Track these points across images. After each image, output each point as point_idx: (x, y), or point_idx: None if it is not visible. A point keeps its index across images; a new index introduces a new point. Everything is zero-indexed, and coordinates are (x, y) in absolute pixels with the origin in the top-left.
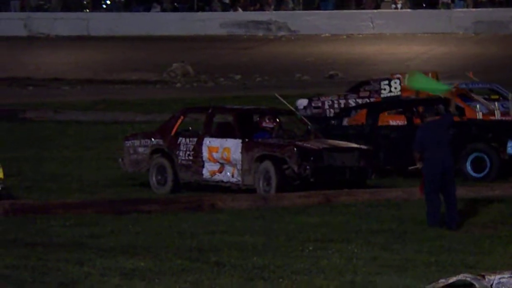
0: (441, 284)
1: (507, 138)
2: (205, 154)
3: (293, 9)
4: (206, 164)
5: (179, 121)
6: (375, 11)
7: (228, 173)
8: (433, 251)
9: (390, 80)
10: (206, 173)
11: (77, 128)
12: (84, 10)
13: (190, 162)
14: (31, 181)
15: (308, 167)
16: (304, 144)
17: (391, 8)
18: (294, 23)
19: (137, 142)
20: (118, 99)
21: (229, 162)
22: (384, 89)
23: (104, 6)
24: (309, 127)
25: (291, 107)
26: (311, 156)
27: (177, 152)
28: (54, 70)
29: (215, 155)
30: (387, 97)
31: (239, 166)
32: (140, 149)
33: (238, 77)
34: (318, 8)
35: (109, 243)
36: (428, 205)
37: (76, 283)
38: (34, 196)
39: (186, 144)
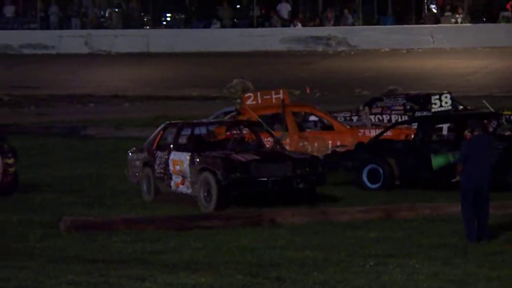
0: None
1: None
2: (171, 167)
3: (353, 24)
4: (173, 176)
5: (159, 135)
6: (435, 25)
7: (186, 185)
8: (495, 266)
9: (441, 95)
10: (173, 185)
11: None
12: (144, 27)
13: (162, 174)
14: (92, 197)
15: (231, 179)
16: (235, 156)
17: (451, 23)
18: (353, 38)
19: (135, 156)
20: (178, 115)
21: (183, 174)
22: (435, 104)
23: (164, 22)
24: (275, 138)
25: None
26: (237, 168)
27: (155, 165)
28: (115, 87)
29: (177, 168)
30: (437, 112)
31: (189, 178)
32: (137, 162)
33: (297, 92)
34: (377, 23)
35: (171, 259)
36: (464, 219)
37: None
38: (96, 212)
39: (160, 157)
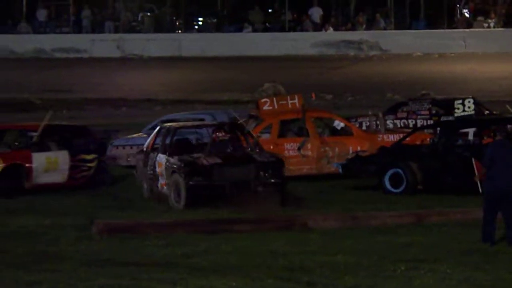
0: None
1: None
2: (157, 168)
3: (385, 28)
4: (159, 178)
5: (154, 138)
6: (467, 30)
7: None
8: None
9: (464, 100)
10: (159, 185)
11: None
12: (176, 31)
13: (151, 176)
14: (124, 201)
15: (191, 183)
16: (200, 161)
17: (483, 27)
18: (385, 43)
19: (139, 157)
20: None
21: (162, 176)
22: (458, 108)
23: (196, 27)
24: (255, 140)
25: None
26: (199, 172)
27: (147, 166)
28: (147, 91)
29: (160, 169)
30: (460, 116)
31: (165, 180)
32: (140, 163)
33: (329, 96)
34: (409, 28)
35: (201, 263)
36: (483, 222)
37: None
38: (128, 216)
39: (151, 159)
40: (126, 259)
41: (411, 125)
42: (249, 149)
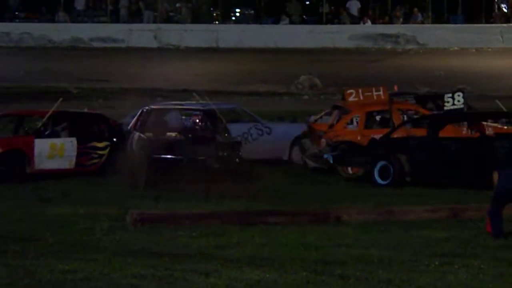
0: None
1: None
2: (134, 145)
3: (422, 22)
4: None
5: (137, 119)
6: (505, 25)
7: None
8: None
9: (453, 93)
10: None
11: None
12: (214, 22)
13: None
14: (158, 191)
15: (152, 158)
16: (163, 138)
17: None
18: (422, 37)
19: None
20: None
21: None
22: (448, 102)
23: (233, 18)
24: (224, 125)
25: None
26: (158, 148)
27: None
28: (183, 81)
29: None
30: (450, 110)
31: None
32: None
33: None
34: (447, 22)
35: (235, 254)
36: (491, 216)
37: None
38: (162, 206)
39: (130, 137)
40: (160, 249)
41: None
42: (217, 133)
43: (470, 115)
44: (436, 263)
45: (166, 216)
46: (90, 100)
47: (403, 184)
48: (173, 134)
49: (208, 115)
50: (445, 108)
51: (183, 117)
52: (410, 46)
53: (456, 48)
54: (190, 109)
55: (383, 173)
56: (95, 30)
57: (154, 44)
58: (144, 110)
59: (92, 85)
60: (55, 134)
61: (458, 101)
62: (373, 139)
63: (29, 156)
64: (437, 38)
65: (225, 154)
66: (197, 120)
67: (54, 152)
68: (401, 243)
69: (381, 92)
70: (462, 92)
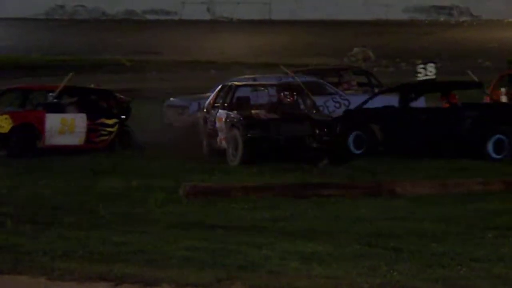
0: None
1: None
2: (217, 124)
3: None
4: (218, 133)
5: (215, 96)
6: None
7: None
8: None
9: (425, 63)
10: (218, 140)
11: None
12: None
13: (211, 131)
14: (212, 163)
15: (248, 135)
16: (258, 115)
17: None
18: (476, 8)
19: (200, 115)
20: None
21: (222, 131)
22: (420, 72)
23: None
24: (311, 102)
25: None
26: (256, 126)
27: (207, 123)
28: (236, 54)
29: (219, 124)
30: (422, 80)
31: (224, 134)
32: (201, 120)
33: (418, 62)
34: None
35: (288, 227)
36: None
37: (256, 266)
38: (215, 178)
39: (212, 115)
40: (213, 222)
41: None
42: (306, 109)
43: (441, 85)
44: (490, 235)
45: (219, 188)
46: (144, 73)
47: (376, 153)
48: (262, 111)
49: (295, 90)
50: (418, 78)
51: (267, 91)
52: (464, 18)
53: (510, 19)
54: (274, 85)
55: (357, 142)
56: (148, 2)
57: (206, 17)
58: (226, 86)
59: (145, 57)
60: (65, 109)
61: (431, 71)
62: (348, 109)
63: (40, 130)
64: (491, 10)
65: (322, 132)
66: (286, 96)
67: (64, 127)
68: (454, 216)
69: None
70: (434, 63)
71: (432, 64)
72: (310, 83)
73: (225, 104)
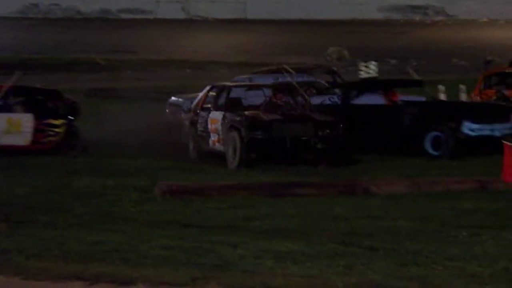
0: None
1: (463, 119)
2: (209, 126)
3: None
4: (211, 135)
5: (204, 97)
6: None
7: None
8: None
9: (367, 62)
10: (210, 143)
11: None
12: None
13: (202, 133)
14: (187, 163)
15: (252, 137)
16: (260, 116)
17: None
18: (451, 8)
19: (185, 116)
20: None
21: (215, 133)
22: (362, 71)
23: None
24: (308, 101)
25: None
26: (258, 127)
27: (197, 124)
28: (211, 53)
29: (214, 126)
30: (364, 79)
31: (217, 136)
32: (186, 122)
33: (393, 61)
34: None
35: (263, 226)
36: None
37: (230, 265)
38: (191, 178)
39: (202, 117)
40: (188, 221)
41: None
42: (304, 109)
43: (382, 83)
44: (464, 234)
45: (194, 187)
46: (118, 71)
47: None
48: (263, 111)
49: (291, 90)
50: (360, 76)
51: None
52: (439, 18)
53: (485, 19)
54: (267, 86)
55: None
56: (123, 1)
57: (182, 16)
58: (218, 86)
59: (120, 56)
60: (11, 109)
61: (373, 70)
62: None
63: None
64: (466, 10)
65: (326, 133)
66: (283, 96)
67: (11, 128)
68: (429, 214)
69: None
70: (376, 61)
71: (374, 63)
72: (308, 83)
73: (219, 105)
